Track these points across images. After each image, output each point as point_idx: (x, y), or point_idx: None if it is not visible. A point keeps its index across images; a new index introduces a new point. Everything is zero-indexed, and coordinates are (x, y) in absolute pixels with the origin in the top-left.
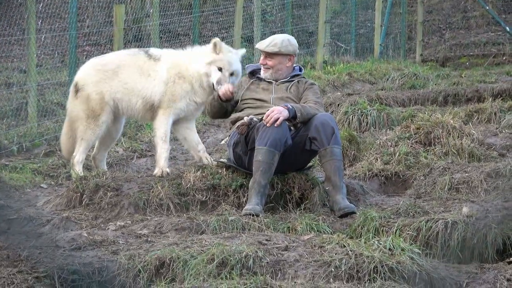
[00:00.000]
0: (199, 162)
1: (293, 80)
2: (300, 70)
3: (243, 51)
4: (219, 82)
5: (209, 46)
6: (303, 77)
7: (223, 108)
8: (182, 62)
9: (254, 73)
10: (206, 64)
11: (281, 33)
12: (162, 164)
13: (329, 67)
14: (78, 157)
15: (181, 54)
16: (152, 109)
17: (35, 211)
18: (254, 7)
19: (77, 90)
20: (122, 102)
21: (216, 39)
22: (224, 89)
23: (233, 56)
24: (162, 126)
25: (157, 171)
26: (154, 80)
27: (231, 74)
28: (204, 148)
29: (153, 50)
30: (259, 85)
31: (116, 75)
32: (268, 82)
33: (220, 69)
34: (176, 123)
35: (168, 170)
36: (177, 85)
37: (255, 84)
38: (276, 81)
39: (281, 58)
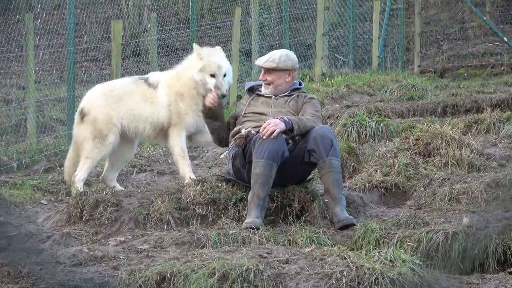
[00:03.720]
0: None
1: (292, 95)
2: (300, 84)
3: (218, 48)
4: (216, 87)
5: (193, 55)
6: (303, 91)
7: (212, 124)
8: (176, 80)
9: (253, 90)
10: (197, 72)
11: (279, 46)
12: (188, 175)
13: (327, 79)
14: (80, 175)
15: (173, 75)
16: (162, 131)
17: (36, 228)
18: (252, 20)
19: (83, 116)
20: (129, 128)
21: (194, 45)
22: (211, 97)
23: (217, 57)
24: (177, 144)
25: (186, 182)
26: (158, 106)
27: (224, 76)
28: None
29: (152, 78)
30: (259, 100)
31: (122, 102)
32: (267, 96)
33: (213, 75)
34: (191, 137)
35: (193, 176)
36: (179, 104)
37: (255, 99)
38: (276, 95)
39: (280, 73)
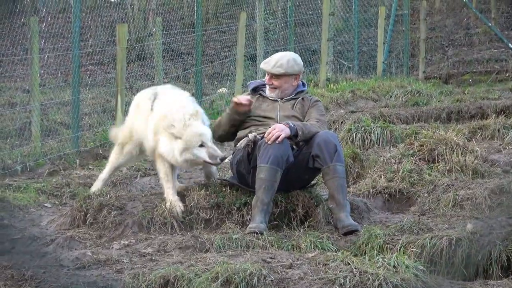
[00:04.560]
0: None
1: (297, 97)
2: (304, 85)
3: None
4: (212, 157)
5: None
6: (307, 93)
7: (233, 124)
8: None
9: (256, 89)
10: (181, 153)
11: (284, 51)
12: (170, 197)
13: (332, 84)
14: (102, 175)
15: (164, 112)
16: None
17: (39, 231)
18: (257, 25)
19: None
20: (142, 144)
21: (164, 126)
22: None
23: (195, 125)
24: (161, 169)
25: (167, 205)
26: (150, 131)
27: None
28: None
29: (156, 101)
30: (264, 102)
31: (136, 117)
32: (273, 100)
33: (201, 145)
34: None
35: (180, 204)
36: (161, 142)
37: (259, 101)
38: (281, 98)
39: (287, 78)
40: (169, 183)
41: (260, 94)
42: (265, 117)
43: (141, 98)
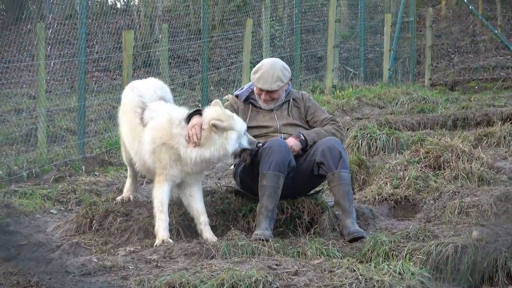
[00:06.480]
0: (200, 235)
1: (288, 100)
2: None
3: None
4: (252, 143)
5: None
6: (293, 91)
7: None
8: (168, 131)
9: (247, 99)
10: (234, 143)
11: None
12: (161, 234)
13: (338, 91)
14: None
15: (168, 122)
16: (152, 172)
17: (45, 237)
18: (263, 32)
19: None
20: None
21: (213, 122)
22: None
23: (236, 118)
24: (157, 196)
25: (157, 243)
26: (143, 148)
27: None
28: (206, 221)
29: (147, 113)
30: (258, 113)
31: (122, 124)
32: (267, 109)
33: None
34: (180, 187)
35: (170, 240)
36: (163, 153)
37: (253, 112)
38: (274, 106)
39: (284, 87)
40: (163, 215)
41: (251, 103)
42: (265, 127)
43: (130, 108)
